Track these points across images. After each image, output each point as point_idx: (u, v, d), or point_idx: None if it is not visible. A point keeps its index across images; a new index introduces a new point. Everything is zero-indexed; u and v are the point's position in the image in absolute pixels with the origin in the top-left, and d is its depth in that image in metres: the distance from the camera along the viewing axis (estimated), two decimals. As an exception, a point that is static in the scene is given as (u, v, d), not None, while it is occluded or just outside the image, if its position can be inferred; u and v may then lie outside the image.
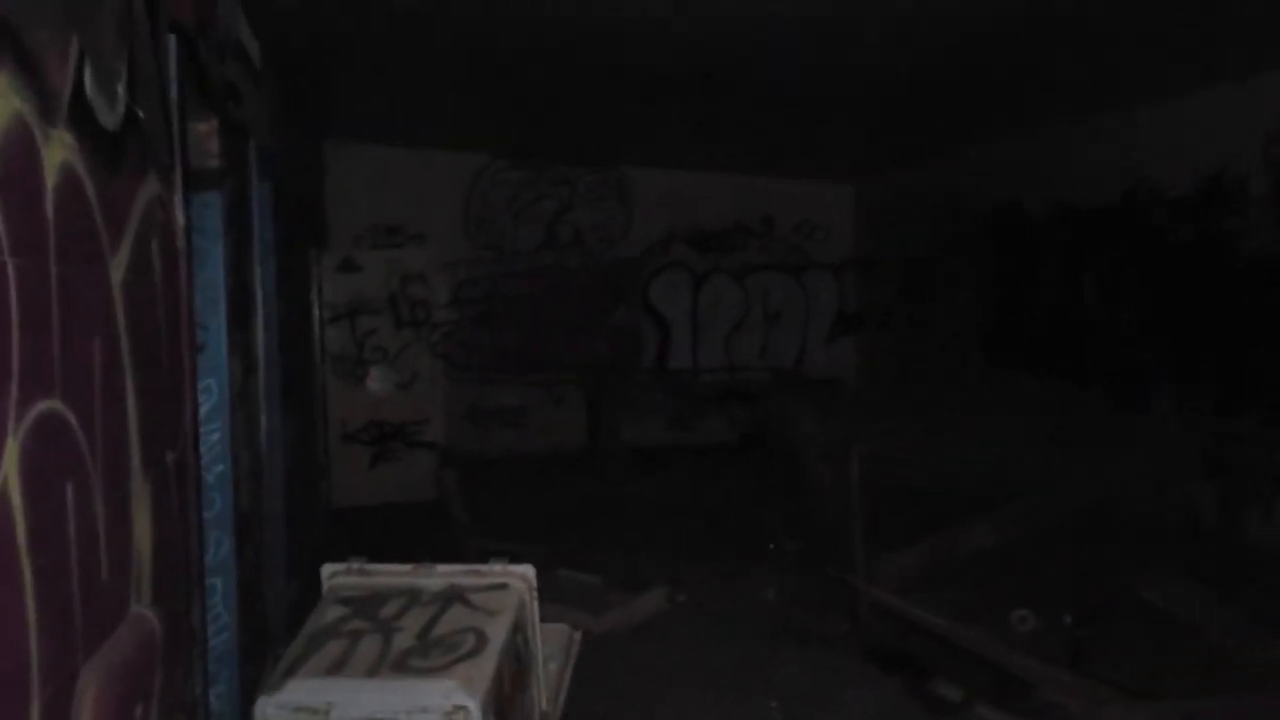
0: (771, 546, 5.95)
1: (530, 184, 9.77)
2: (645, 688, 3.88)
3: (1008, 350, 8.24)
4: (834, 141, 8.77)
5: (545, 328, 9.77)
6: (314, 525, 5.83)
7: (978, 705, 3.41)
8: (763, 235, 10.44)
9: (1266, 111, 5.68)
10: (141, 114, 1.98)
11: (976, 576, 5.05)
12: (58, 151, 1.48)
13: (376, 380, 7.67)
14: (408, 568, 2.61)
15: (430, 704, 2.20)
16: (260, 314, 3.50)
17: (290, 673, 2.25)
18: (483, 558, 2.78)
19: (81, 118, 1.63)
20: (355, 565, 2.60)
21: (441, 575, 2.61)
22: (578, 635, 3.37)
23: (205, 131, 2.64)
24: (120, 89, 1.84)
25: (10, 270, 1.24)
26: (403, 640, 2.37)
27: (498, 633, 2.40)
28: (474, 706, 2.18)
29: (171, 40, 2.30)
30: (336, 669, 2.28)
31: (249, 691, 2.38)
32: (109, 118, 1.75)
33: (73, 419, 1.50)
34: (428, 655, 2.32)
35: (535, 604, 2.68)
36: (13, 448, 1.23)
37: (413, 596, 2.53)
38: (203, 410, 2.67)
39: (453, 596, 2.53)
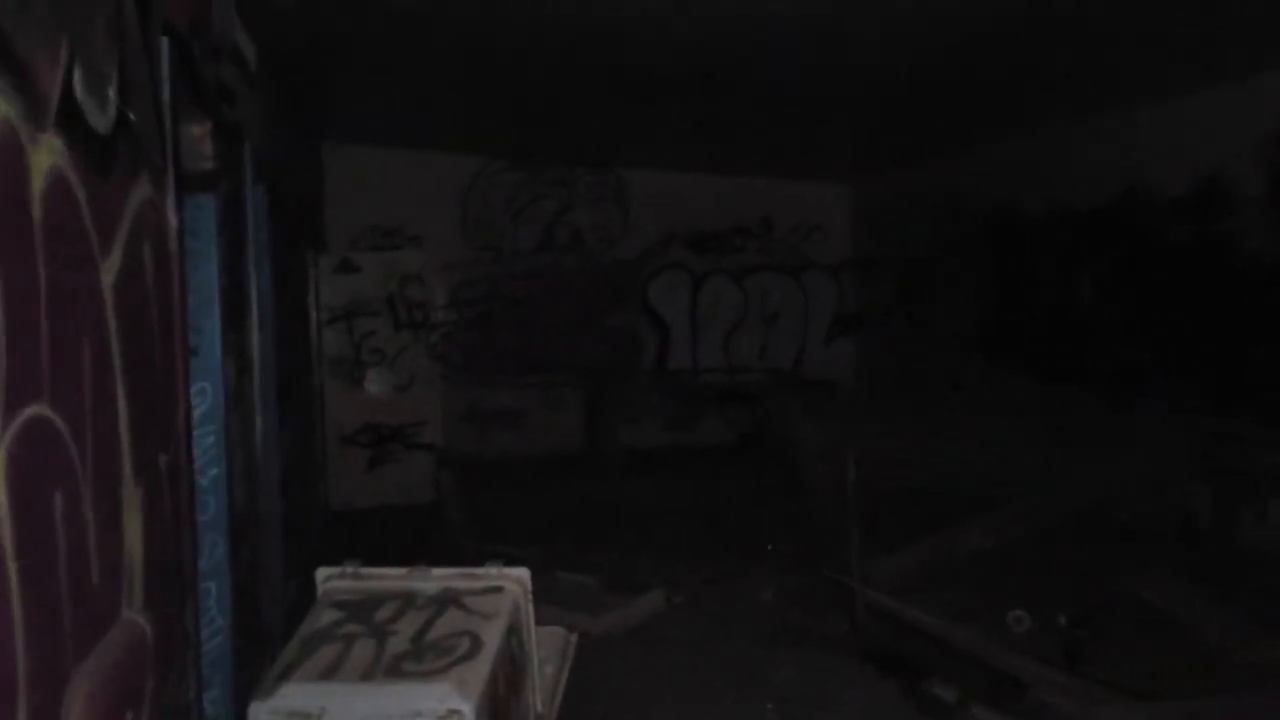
0: (769, 547, 5.95)
1: (528, 185, 9.77)
2: (642, 689, 3.88)
3: (1006, 351, 8.24)
4: (832, 142, 8.77)
5: (543, 329, 9.76)
6: (311, 528, 5.82)
7: (973, 706, 3.41)
8: (761, 236, 10.44)
9: (1263, 113, 5.69)
10: (133, 117, 1.97)
11: (973, 577, 5.05)
12: (45, 155, 1.47)
13: (374, 382, 7.66)
14: (402, 571, 2.61)
15: (425, 708, 2.20)
16: (255, 316, 3.49)
17: (283, 677, 2.25)
18: (480, 560, 2.78)
19: (71, 121, 1.62)
20: (349, 569, 2.60)
21: (436, 579, 2.60)
22: (574, 638, 3.37)
23: (199, 134, 2.64)
24: (111, 92, 1.83)
25: (-4, 275, 1.23)
26: (397, 644, 2.37)
27: (492, 636, 2.40)
28: (468, 710, 2.18)
29: (164, 42, 2.29)
30: (330, 673, 2.27)
31: (244, 696, 2.37)
32: (100, 121, 1.75)
33: (61, 424, 1.49)
34: (422, 659, 2.32)
35: (530, 607, 2.68)
36: (-1, 453, 1.23)
37: (407, 600, 2.52)
38: (197, 413, 2.66)
39: (447, 600, 2.53)
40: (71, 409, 1.55)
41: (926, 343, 9.28)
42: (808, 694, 3.81)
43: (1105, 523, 5.93)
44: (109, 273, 1.81)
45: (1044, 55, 5.72)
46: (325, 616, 2.44)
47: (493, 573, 2.62)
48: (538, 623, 3.13)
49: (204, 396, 2.71)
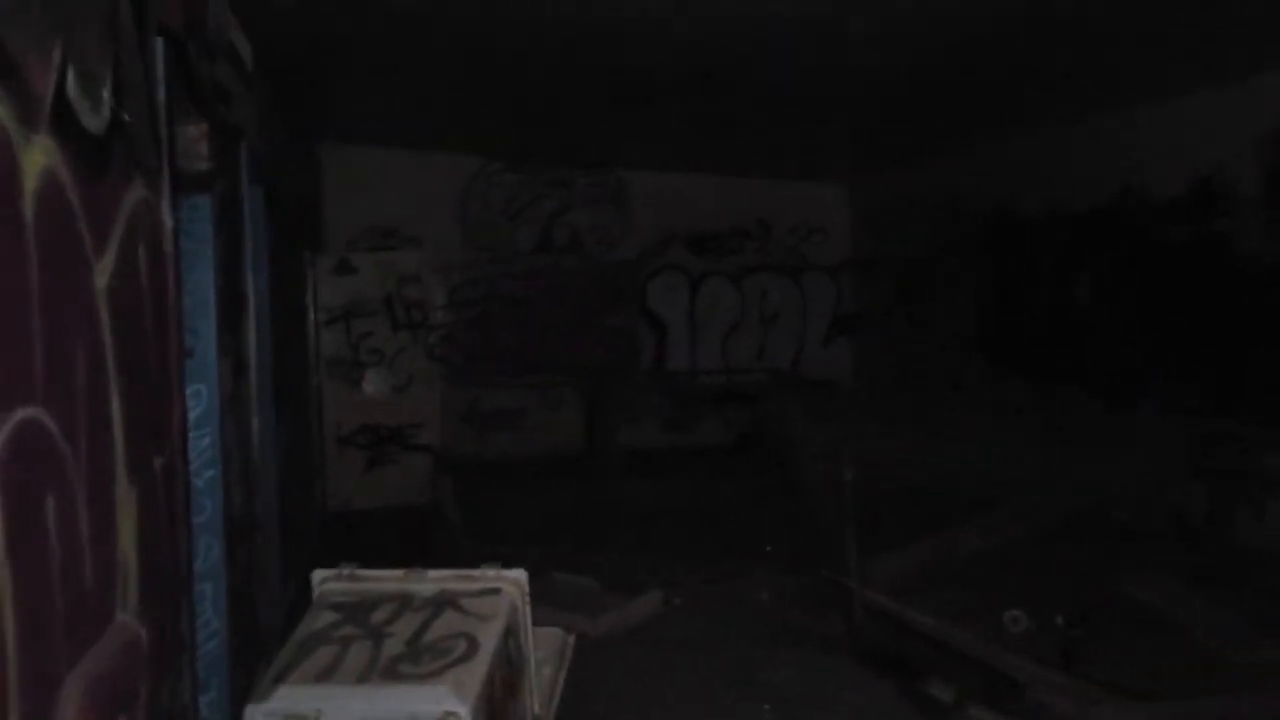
0: (767, 548, 5.95)
1: (527, 186, 9.76)
2: (641, 690, 3.87)
3: (1004, 351, 8.24)
4: (831, 143, 8.77)
5: (542, 330, 9.75)
6: (309, 529, 5.81)
7: (970, 706, 3.41)
8: (760, 237, 10.43)
9: (1260, 113, 5.69)
10: (127, 117, 1.97)
11: (971, 577, 5.05)
12: (38, 156, 1.46)
13: (372, 383, 7.65)
14: (398, 573, 2.60)
15: (421, 710, 2.19)
16: (252, 317, 3.48)
17: (279, 679, 2.24)
18: (478, 561, 2.77)
19: (65, 122, 1.62)
20: (345, 571, 2.59)
21: (433, 580, 2.60)
22: (571, 638, 3.37)
23: (195, 134, 2.63)
24: (105, 93, 1.83)
25: (-13, 276, 1.23)
26: (393, 646, 2.36)
27: (489, 638, 2.39)
28: (464, 712, 2.17)
29: (159, 42, 2.29)
30: (326, 675, 2.27)
31: (241, 698, 2.37)
32: (93, 121, 1.74)
33: (54, 426, 1.49)
34: (419, 661, 2.31)
35: (527, 608, 2.67)
36: (-10, 456, 1.22)
37: (404, 602, 2.52)
38: (192, 415, 2.66)
39: (444, 602, 2.52)
40: (64, 411, 1.55)
41: (925, 343, 9.28)
42: (806, 694, 3.81)
43: (1103, 523, 5.94)
44: (103, 274, 1.80)
45: (1042, 56, 5.72)
46: (321, 618, 2.43)
47: (490, 574, 2.62)
48: (536, 624, 3.13)
49: (199, 398, 2.70)
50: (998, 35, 5.19)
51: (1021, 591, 4.63)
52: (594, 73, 6.24)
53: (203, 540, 2.69)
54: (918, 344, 9.40)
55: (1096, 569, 5.13)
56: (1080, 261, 7.29)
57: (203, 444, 2.71)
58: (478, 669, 2.28)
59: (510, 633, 2.52)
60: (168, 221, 2.29)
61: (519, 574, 2.61)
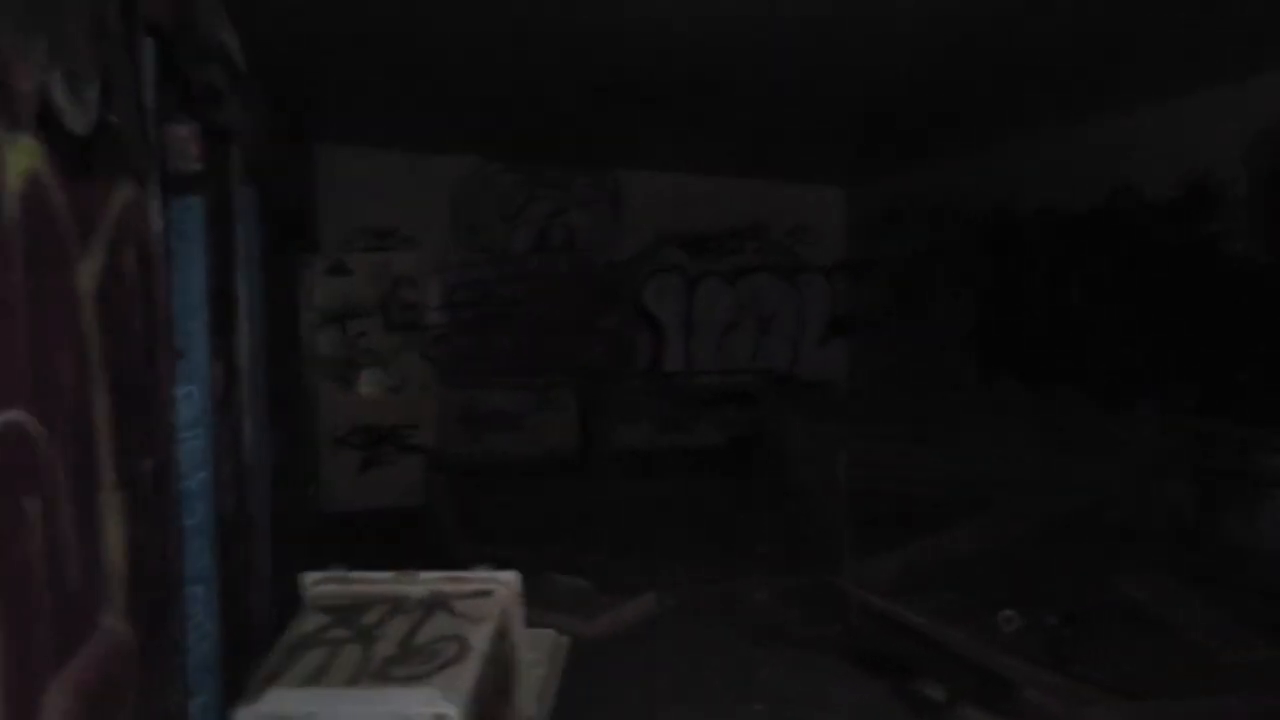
0: (762, 549, 5.95)
1: (523, 187, 9.75)
2: (635, 691, 3.87)
3: (999, 353, 8.26)
4: (828, 144, 8.77)
5: (538, 331, 9.75)
6: (304, 531, 5.79)
7: (962, 706, 3.41)
8: (755, 238, 10.44)
9: (1251, 115, 5.71)
10: (115, 118, 1.96)
11: (965, 578, 5.05)
12: (22, 157, 1.46)
13: (367, 384, 7.64)
14: (390, 575, 2.59)
15: (412, 712, 2.19)
16: (244, 318, 3.47)
17: (269, 682, 2.23)
18: (472, 563, 2.77)
19: (50, 123, 1.61)
20: (336, 573, 2.58)
21: (424, 582, 2.59)
22: (565, 640, 3.36)
23: (185, 135, 2.62)
24: (92, 94, 1.82)
25: (-31, 278, 1.22)
26: (384, 648, 2.35)
27: (480, 640, 2.39)
28: (455, 714, 2.17)
29: (148, 43, 2.28)
30: (317, 678, 2.26)
31: (233, 701, 2.36)
32: (79, 122, 1.74)
33: (38, 428, 1.48)
34: (409, 663, 2.30)
35: (520, 610, 2.66)
36: (-28, 459, 1.22)
37: (395, 604, 2.51)
38: (183, 417, 2.65)
39: (435, 604, 2.52)
40: (49, 413, 1.54)
41: (921, 344, 9.29)
42: (799, 694, 3.81)
43: (1097, 523, 5.95)
44: (89, 275, 1.79)
45: (1038, 59, 5.73)
46: (312, 621, 2.43)
47: (481, 576, 2.61)
48: (531, 625, 3.12)
49: (190, 400, 2.69)
50: (995, 37, 5.20)
51: (1014, 592, 4.63)
52: (591, 74, 6.24)
53: (194, 542, 2.67)
54: (914, 345, 9.41)
55: (1091, 569, 5.13)
56: (1075, 262, 7.31)
57: (194, 446, 2.70)
58: (469, 671, 2.27)
59: (502, 634, 2.52)
60: (157, 223, 2.28)
61: (511, 576, 2.61)
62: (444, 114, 7.59)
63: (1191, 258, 6.21)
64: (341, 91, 6.83)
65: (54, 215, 1.61)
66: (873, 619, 4.45)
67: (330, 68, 6.08)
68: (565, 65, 6.03)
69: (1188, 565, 5.23)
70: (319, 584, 2.59)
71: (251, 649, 3.39)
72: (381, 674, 2.26)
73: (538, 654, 3.13)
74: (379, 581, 2.59)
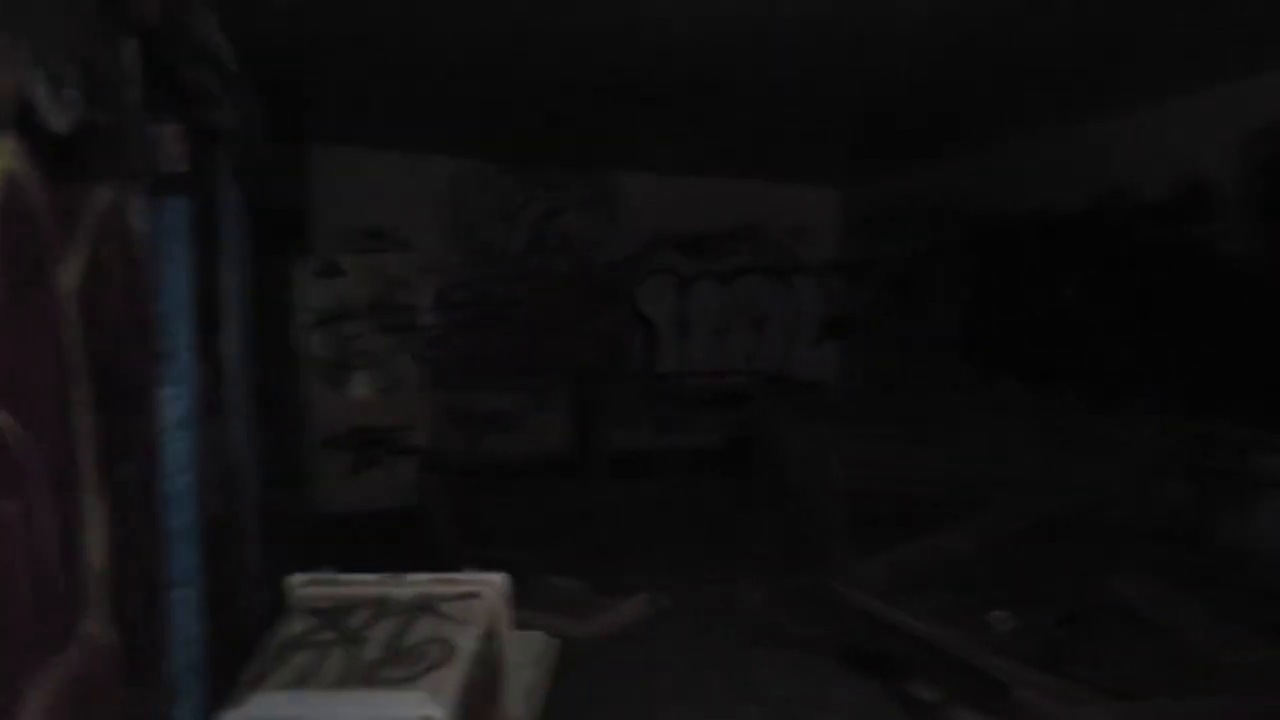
0: (758, 550, 5.94)
1: (518, 188, 9.74)
2: (626, 693, 3.86)
3: (993, 353, 8.27)
4: (822, 145, 8.77)
5: (533, 332, 9.73)
6: (295, 533, 5.77)
7: (955, 707, 3.40)
8: (750, 239, 10.45)
9: (1242, 116, 5.73)
10: (97, 118, 1.95)
11: (959, 579, 5.05)
12: (1, 157, 1.44)
13: (360, 386, 7.61)
14: (377, 577, 2.58)
15: (399, 715, 2.17)
16: (232, 320, 3.46)
17: (255, 686, 2.22)
18: (466, 564, 2.76)
19: (29, 123, 1.59)
20: (323, 576, 2.57)
21: (411, 585, 2.58)
22: (555, 642, 3.35)
23: (171, 135, 2.60)
24: (73, 93, 1.80)
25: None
26: (371, 651, 2.34)
27: (468, 642, 2.38)
28: (442, 717, 2.15)
29: (133, 42, 2.26)
30: (303, 681, 2.25)
31: (220, 705, 2.34)
32: (59, 121, 1.72)
33: (17, 430, 1.47)
34: (396, 666, 2.29)
35: (508, 612, 2.65)
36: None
37: (382, 607, 2.50)
38: (169, 418, 2.63)
39: (423, 606, 2.50)
40: (29, 415, 1.52)
41: (914, 346, 9.30)
42: (793, 695, 3.80)
43: (1093, 524, 5.95)
44: (71, 275, 1.78)
45: (1033, 60, 5.73)
46: (298, 624, 2.41)
47: (469, 578, 2.60)
48: (524, 627, 3.12)
49: (176, 401, 2.67)
50: (995, 37, 5.20)
51: (1012, 592, 4.63)
52: (590, 74, 6.23)
53: (180, 545, 2.65)
54: (906, 347, 9.42)
55: (1087, 569, 5.14)
56: (1069, 263, 7.32)
57: (180, 448, 2.68)
58: (456, 673, 2.26)
59: (490, 636, 2.51)
60: (141, 223, 2.26)
61: (498, 578, 2.60)
62: (439, 115, 7.57)
63: (1185, 258, 6.23)
64: (337, 92, 6.81)
65: (33, 215, 1.60)
66: (866, 619, 4.45)
67: (326, 68, 6.06)
68: (563, 66, 6.02)
69: (1185, 566, 5.24)
70: (306, 586, 2.57)
71: (239, 652, 3.37)
72: (368, 677, 2.25)
73: (526, 656, 3.12)
74: (366, 584, 2.58)
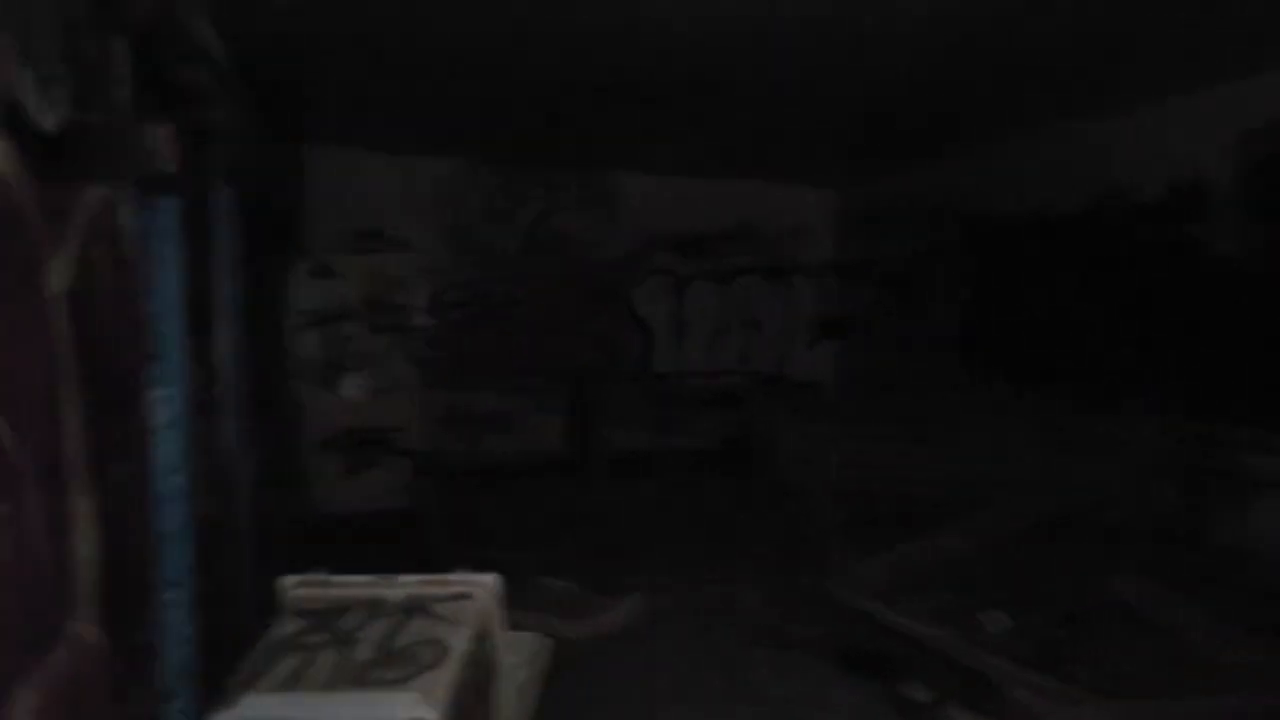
0: (755, 550, 5.94)
1: (513, 188, 9.73)
2: (622, 694, 3.85)
3: (989, 354, 8.27)
4: (820, 146, 8.77)
5: (527, 333, 9.72)
6: (289, 534, 5.76)
7: (949, 707, 3.40)
8: (746, 240, 10.45)
9: (1237, 116, 5.74)
10: (86, 117, 1.94)
11: (954, 579, 5.05)
12: (-15, 155, 1.44)
13: (354, 387, 7.60)
14: (369, 579, 2.57)
15: (390, 717, 2.16)
16: (224, 320, 3.45)
17: (245, 687, 2.21)
18: (460, 565, 2.75)
19: (17, 122, 1.59)
20: (315, 577, 2.56)
21: (403, 586, 2.57)
22: (549, 643, 3.34)
23: (162, 134, 2.59)
24: (61, 91, 1.80)
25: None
26: (363, 652, 2.33)
27: (460, 643, 2.37)
28: (434, 718, 2.14)
29: (122, 41, 2.26)
30: (293, 683, 2.23)
31: (211, 707, 2.33)
32: (47, 120, 1.71)
33: (4, 430, 1.46)
34: (388, 667, 2.28)
35: (501, 612, 2.64)
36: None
37: (374, 608, 2.49)
38: (160, 419, 2.62)
39: (415, 607, 2.49)
40: (17, 415, 1.52)
41: (910, 346, 9.30)
42: (791, 696, 3.80)
43: (1087, 524, 5.95)
44: (59, 275, 1.77)
45: (1025, 62, 5.74)
46: (289, 625, 2.40)
47: (461, 579, 2.59)
48: (519, 628, 3.11)
49: (168, 402, 2.66)
50: (991, 37, 5.20)
51: (1003, 593, 4.63)
52: (585, 75, 6.23)
53: (171, 546, 2.65)
54: (902, 347, 9.42)
55: (1082, 570, 5.14)
56: (1065, 264, 7.33)
57: (171, 448, 2.67)
58: (447, 674, 2.25)
59: (482, 637, 2.50)
60: (131, 223, 2.25)
61: (491, 578, 2.59)
62: (436, 114, 7.56)
63: (1179, 259, 6.23)
64: (334, 92, 6.80)
65: (22, 215, 1.59)
66: (861, 620, 4.45)
67: (323, 68, 6.05)
68: (561, 66, 6.01)
69: (1183, 566, 5.24)
70: (298, 588, 2.56)
71: (232, 654, 3.36)
72: (360, 678, 2.24)
73: (519, 657, 3.11)
74: (358, 585, 2.57)
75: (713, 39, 5.34)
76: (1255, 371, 5.65)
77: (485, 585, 2.58)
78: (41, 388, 1.66)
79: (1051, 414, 7.05)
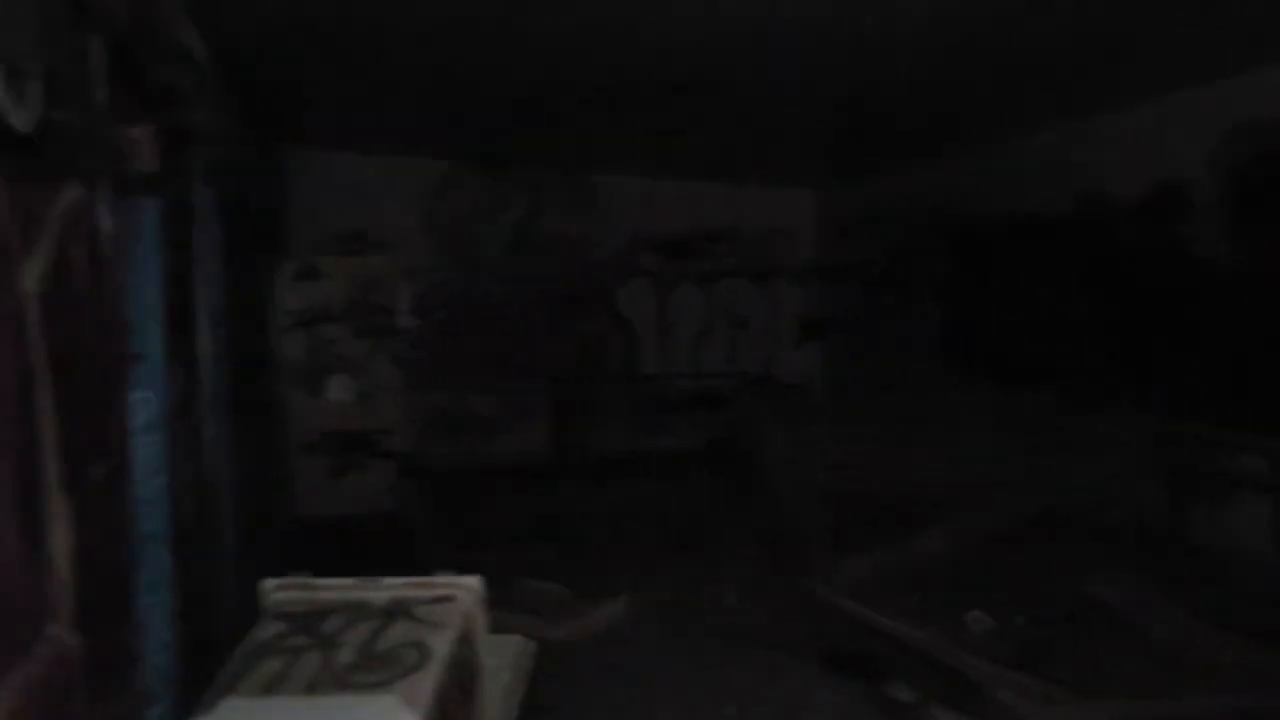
0: (738, 552, 5.95)
1: (497, 190, 9.72)
2: (605, 695, 3.85)
3: (971, 355, 8.32)
4: (803, 149, 8.81)
5: (511, 335, 9.71)
6: (272, 537, 5.72)
7: (933, 707, 3.41)
8: (730, 242, 10.47)
9: (1218, 118, 5.79)
10: (62, 117, 1.92)
11: (936, 580, 5.08)
12: (-43, 155, 1.42)
13: (337, 390, 7.55)
14: (351, 581, 2.55)
15: (372, 720, 2.15)
16: (205, 322, 3.42)
17: (226, 691, 2.19)
18: (443, 568, 2.73)
19: (-11, 121, 1.57)
20: (297, 580, 2.54)
21: (386, 588, 2.55)
22: (532, 645, 3.33)
23: (141, 135, 2.57)
24: (35, 91, 1.78)
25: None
26: (344, 656, 2.31)
27: (442, 646, 2.35)
28: (416, 722, 2.13)
29: (99, 40, 2.24)
30: (275, 686, 2.22)
31: (192, 711, 2.31)
32: (20, 119, 1.69)
33: (-25, 433, 1.44)
34: (370, 671, 2.27)
35: (483, 615, 2.63)
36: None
37: (356, 611, 2.47)
38: (139, 422, 2.60)
39: (397, 610, 2.48)
40: (-12, 418, 1.50)
41: (893, 348, 9.35)
42: (770, 696, 3.81)
43: (1068, 525, 6.00)
44: (33, 276, 1.75)
45: (1009, 66, 5.78)
46: (270, 629, 2.38)
47: (444, 581, 2.58)
48: (502, 630, 3.09)
49: (147, 405, 2.64)
50: (993, 37, 5.21)
51: (984, 593, 4.66)
52: (567, 78, 6.22)
53: (150, 550, 2.62)
54: (886, 349, 9.47)
55: (1063, 570, 5.17)
56: (1046, 265, 7.38)
57: (150, 451, 2.65)
58: (430, 678, 2.24)
59: (465, 640, 2.49)
60: (108, 223, 2.23)
61: (474, 580, 2.58)
62: (419, 116, 7.54)
63: (1160, 260, 6.29)
64: (316, 94, 6.77)
65: (-7, 214, 1.57)
66: (844, 620, 4.46)
67: (305, 70, 6.02)
68: (545, 69, 6.01)
69: (1163, 566, 5.28)
70: (279, 591, 2.54)
71: (214, 657, 3.34)
72: (341, 681, 2.23)
73: (502, 659, 3.10)
74: (340, 588, 2.55)
75: (710, 39, 5.33)
76: (1239, 372, 5.71)
77: (468, 587, 2.57)
78: (14, 389, 1.64)
79: (1036, 415, 7.11)
